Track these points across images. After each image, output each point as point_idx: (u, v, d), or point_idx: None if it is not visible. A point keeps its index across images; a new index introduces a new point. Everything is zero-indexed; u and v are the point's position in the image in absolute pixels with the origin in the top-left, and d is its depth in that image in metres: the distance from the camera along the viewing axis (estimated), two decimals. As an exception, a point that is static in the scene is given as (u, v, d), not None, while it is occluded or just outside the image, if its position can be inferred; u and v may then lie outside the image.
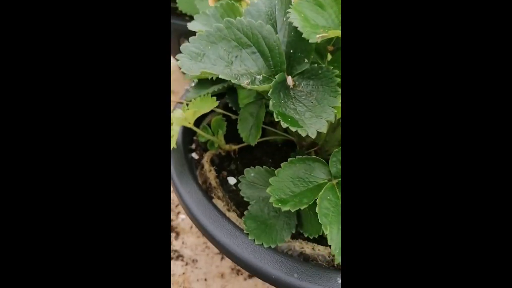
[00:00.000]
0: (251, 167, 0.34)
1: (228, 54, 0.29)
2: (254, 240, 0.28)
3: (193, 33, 0.78)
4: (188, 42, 0.77)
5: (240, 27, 0.28)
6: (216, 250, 0.52)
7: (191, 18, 0.71)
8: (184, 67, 0.26)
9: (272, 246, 0.28)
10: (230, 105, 0.42)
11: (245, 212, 0.31)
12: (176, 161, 0.37)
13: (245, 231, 0.28)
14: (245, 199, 0.33)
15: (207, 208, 0.30)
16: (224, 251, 0.28)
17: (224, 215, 0.30)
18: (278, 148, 0.45)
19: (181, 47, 0.27)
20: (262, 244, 0.28)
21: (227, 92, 0.42)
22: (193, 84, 0.47)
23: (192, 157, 0.41)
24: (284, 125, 0.25)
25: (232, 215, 0.33)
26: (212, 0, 0.34)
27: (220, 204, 0.34)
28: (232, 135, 0.43)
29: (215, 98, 0.35)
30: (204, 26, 0.35)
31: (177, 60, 0.27)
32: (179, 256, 0.52)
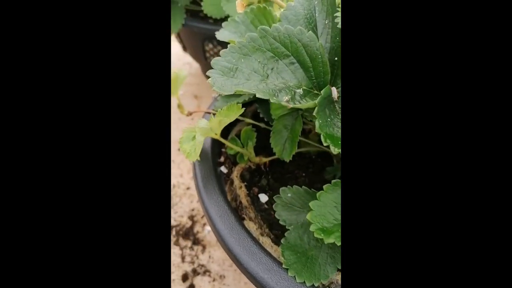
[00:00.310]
0: (288, 186, 0.30)
1: (263, 67, 0.25)
2: (294, 277, 0.24)
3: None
4: (213, 45, 0.73)
5: (276, 35, 0.24)
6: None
7: (215, 21, 0.67)
8: (216, 85, 0.23)
9: (315, 284, 0.24)
10: (261, 115, 0.38)
11: (282, 241, 0.27)
12: (205, 176, 0.33)
13: (284, 265, 0.25)
14: (280, 222, 0.29)
15: (241, 237, 0.26)
16: (262, 288, 0.24)
17: (259, 244, 0.27)
18: (311, 160, 0.40)
19: (212, 62, 0.24)
20: (304, 282, 0.24)
21: (258, 101, 0.38)
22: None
23: (221, 171, 0.37)
24: (335, 150, 0.20)
25: (266, 241, 0.29)
26: (241, 5, 0.30)
27: (252, 226, 0.31)
28: (261, 146, 0.39)
29: (240, 105, 0.31)
30: (234, 34, 0.31)
31: (208, 77, 0.23)
32: (206, 271, 0.49)
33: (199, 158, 0.27)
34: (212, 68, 0.24)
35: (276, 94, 0.23)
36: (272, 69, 0.25)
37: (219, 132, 0.31)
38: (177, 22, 0.59)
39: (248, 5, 0.30)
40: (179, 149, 0.76)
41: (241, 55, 0.24)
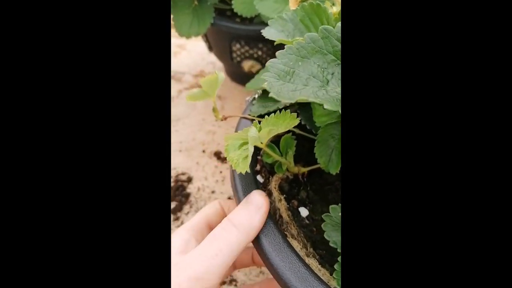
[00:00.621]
0: (340, 204, 0.27)
1: (322, 71, 0.21)
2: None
3: (245, 36, 0.70)
4: (240, 46, 0.70)
5: (340, 36, 0.21)
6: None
7: (242, 20, 0.64)
8: (273, 90, 0.19)
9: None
10: (302, 122, 0.34)
11: (335, 266, 0.23)
12: (247, 188, 0.30)
13: (340, 297, 0.21)
14: (331, 244, 0.26)
15: (291, 260, 0.23)
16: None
17: (311, 269, 0.23)
18: (353, 171, 0.37)
19: (268, 64, 0.20)
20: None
21: (299, 106, 0.35)
22: (256, 96, 0.40)
23: (257, 181, 0.34)
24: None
25: (313, 263, 0.26)
26: (294, 1, 0.27)
27: (296, 246, 0.28)
28: (297, 154, 0.36)
29: (295, 115, 0.27)
30: (281, 33, 0.28)
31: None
32: (232, 281, 0.46)
33: (249, 170, 0.24)
34: (267, 71, 0.21)
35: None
36: (333, 74, 0.21)
37: (265, 142, 0.28)
38: (206, 21, 0.56)
39: (303, 1, 0.26)
40: (203, 151, 0.73)
41: (299, 57, 0.21)
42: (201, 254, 0.25)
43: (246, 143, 0.27)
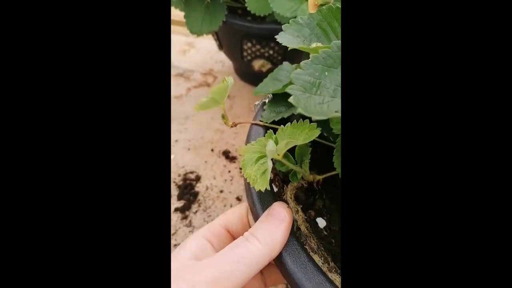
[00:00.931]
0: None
1: (351, 82, 0.19)
2: None
3: (257, 35, 0.67)
4: (251, 44, 0.68)
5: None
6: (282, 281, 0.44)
7: (253, 18, 0.62)
8: (300, 104, 0.18)
9: None
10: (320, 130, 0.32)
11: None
12: (265, 202, 0.28)
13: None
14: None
15: (317, 280, 0.22)
16: None
17: (336, 287, 0.22)
18: (371, 179, 0.35)
19: (292, 76, 0.19)
20: None
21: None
22: (266, 100, 0.38)
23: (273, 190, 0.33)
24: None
25: (336, 278, 0.25)
26: (314, 5, 0.25)
27: (317, 260, 0.26)
28: (311, 161, 0.34)
29: (315, 125, 0.26)
30: (297, 39, 0.26)
31: (290, 93, 0.18)
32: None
33: (268, 187, 0.22)
34: (292, 84, 0.19)
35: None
36: (361, 85, 0.19)
37: (282, 154, 0.26)
38: (218, 18, 0.54)
39: (322, 5, 0.24)
40: (212, 150, 0.71)
41: (325, 67, 0.19)
42: (222, 257, 0.24)
43: (262, 156, 0.25)
